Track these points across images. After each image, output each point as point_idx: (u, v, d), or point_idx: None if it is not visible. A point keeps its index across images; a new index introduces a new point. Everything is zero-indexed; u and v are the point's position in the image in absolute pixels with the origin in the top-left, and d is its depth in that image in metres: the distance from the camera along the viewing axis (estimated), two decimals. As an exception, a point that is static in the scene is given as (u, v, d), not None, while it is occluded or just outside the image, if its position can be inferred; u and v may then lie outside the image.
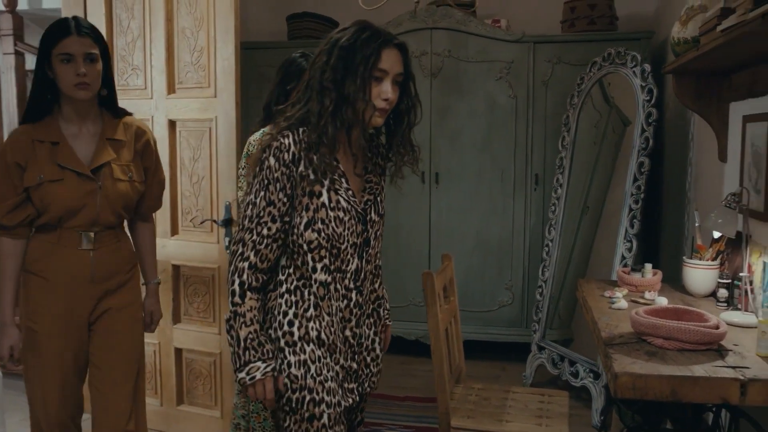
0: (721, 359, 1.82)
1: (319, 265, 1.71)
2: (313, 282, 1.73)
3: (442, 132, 4.34)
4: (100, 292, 2.22)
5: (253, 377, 1.67)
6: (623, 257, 3.42)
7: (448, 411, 2.40)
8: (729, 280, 2.35)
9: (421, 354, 4.21)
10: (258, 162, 1.69)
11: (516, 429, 2.40)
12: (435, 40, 4.30)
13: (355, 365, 1.82)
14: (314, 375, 1.71)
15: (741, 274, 2.26)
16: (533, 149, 4.26)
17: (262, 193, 1.66)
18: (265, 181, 1.66)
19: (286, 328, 1.72)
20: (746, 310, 2.20)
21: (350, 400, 1.81)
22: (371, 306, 1.88)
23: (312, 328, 1.73)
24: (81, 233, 2.17)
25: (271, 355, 1.70)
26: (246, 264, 1.68)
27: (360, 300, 1.80)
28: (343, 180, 1.72)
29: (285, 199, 1.66)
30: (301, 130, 1.67)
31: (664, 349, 1.88)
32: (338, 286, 1.75)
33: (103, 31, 2.98)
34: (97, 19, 2.99)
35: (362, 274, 1.79)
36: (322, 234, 1.68)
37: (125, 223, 2.39)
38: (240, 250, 1.68)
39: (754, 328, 1.96)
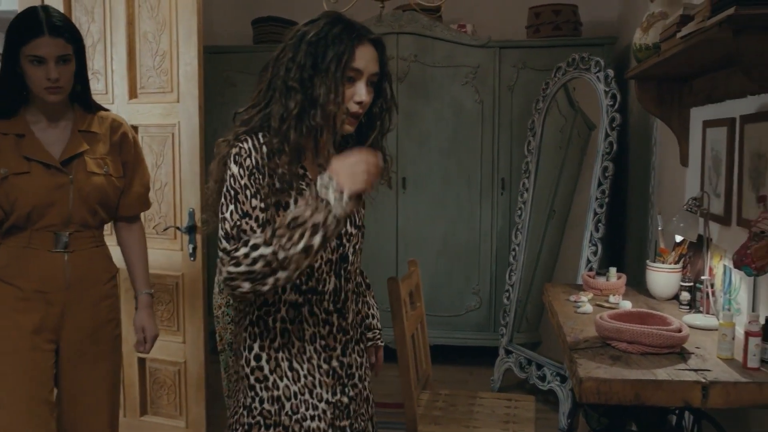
0: (684, 362, 1.84)
1: (287, 285, 1.50)
2: (281, 305, 1.52)
3: (409, 137, 4.34)
4: (74, 304, 2.02)
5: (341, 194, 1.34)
6: (589, 261, 3.45)
7: (415, 418, 2.39)
8: (691, 283, 2.38)
9: (388, 359, 4.18)
10: (217, 175, 1.50)
11: (483, 434, 2.40)
12: (401, 45, 4.30)
13: (346, 399, 1.59)
14: (290, 413, 1.51)
15: (702, 278, 2.29)
16: (499, 154, 4.28)
17: (232, 207, 1.41)
18: (232, 192, 1.42)
19: (253, 363, 1.53)
20: (708, 313, 2.23)
21: None
22: (359, 330, 1.67)
23: (282, 359, 1.52)
24: (55, 234, 1.99)
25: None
26: (223, 245, 1.39)
27: (344, 324, 1.59)
28: None
29: (262, 205, 1.42)
30: (260, 135, 1.46)
31: (628, 353, 1.89)
32: (315, 309, 1.53)
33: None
34: (55, 22, 2.93)
35: (342, 294, 1.58)
36: None
37: (110, 230, 2.23)
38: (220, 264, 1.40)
39: (715, 331, 1.98)
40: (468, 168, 4.31)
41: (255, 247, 1.34)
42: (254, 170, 1.42)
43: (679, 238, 2.50)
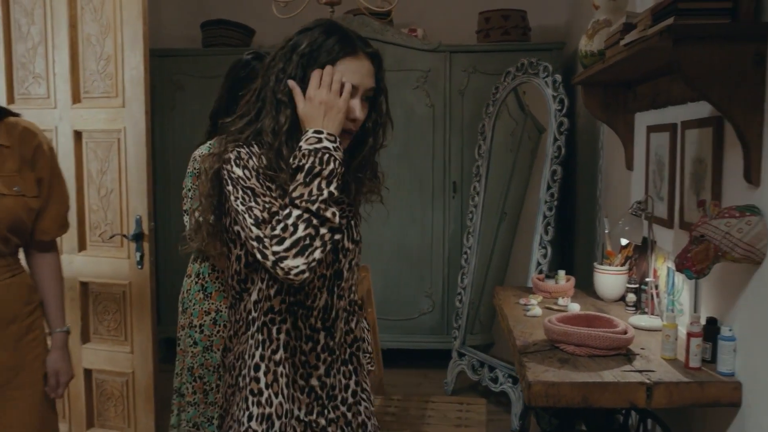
0: (629, 363, 1.88)
1: (272, 291, 1.45)
2: (288, 315, 1.45)
3: (361, 141, 4.33)
4: None
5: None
6: (538, 263, 3.49)
7: (368, 424, 2.39)
8: (637, 285, 2.44)
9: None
10: (209, 190, 1.44)
11: (436, 439, 2.41)
12: (352, 49, 4.29)
13: (323, 421, 1.50)
14: None
15: (647, 279, 2.34)
16: (451, 157, 4.31)
17: (251, 198, 1.35)
18: (247, 190, 1.36)
19: (252, 374, 1.45)
20: (653, 314, 2.29)
21: None
22: (348, 350, 1.58)
23: (282, 374, 1.45)
24: None
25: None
26: (255, 233, 1.33)
27: (331, 343, 1.51)
28: None
29: (275, 194, 1.37)
30: (254, 146, 1.41)
31: (576, 356, 1.93)
32: (300, 324, 1.47)
33: (0, 36, 2.84)
34: (-7, 24, 2.84)
35: (333, 312, 1.50)
36: None
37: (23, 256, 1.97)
38: (255, 251, 1.33)
39: (660, 331, 2.03)
40: (420, 172, 4.33)
41: (287, 216, 1.30)
42: (259, 172, 1.38)
43: (624, 241, 2.55)
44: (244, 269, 1.46)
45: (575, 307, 2.41)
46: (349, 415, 1.55)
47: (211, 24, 4.56)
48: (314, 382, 1.49)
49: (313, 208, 1.31)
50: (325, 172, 1.32)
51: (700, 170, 2.03)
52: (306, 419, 1.48)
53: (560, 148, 3.52)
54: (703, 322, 1.90)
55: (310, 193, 1.31)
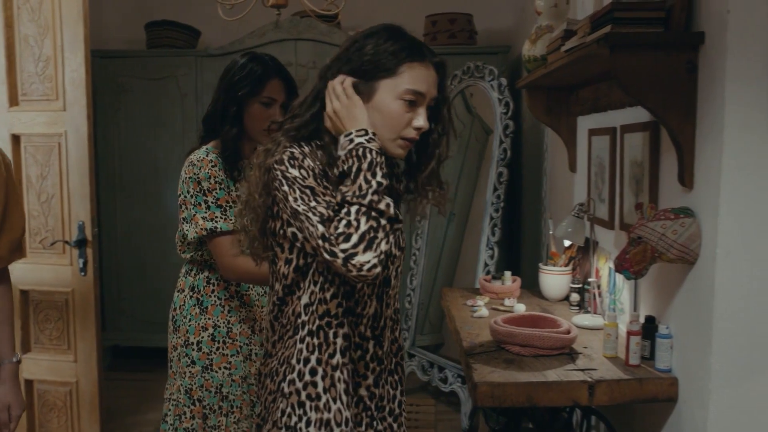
0: (573, 363, 1.93)
1: (328, 294, 1.42)
2: (344, 318, 1.42)
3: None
4: None
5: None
6: (486, 264, 3.54)
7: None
8: (580, 285, 2.49)
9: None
10: (260, 187, 1.41)
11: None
12: (299, 52, 4.28)
13: None
14: None
15: (590, 279, 2.40)
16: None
17: (311, 197, 1.33)
18: (305, 190, 1.34)
19: (308, 377, 1.39)
20: (596, 313, 2.34)
21: None
22: (393, 360, 1.56)
23: (339, 380, 1.40)
24: None
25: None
26: (320, 230, 1.30)
27: (380, 353, 1.49)
28: None
29: (333, 193, 1.36)
30: (312, 144, 1.41)
31: (521, 356, 1.96)
32: (350, 332, 1.44)
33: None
34: (-75, 24, 2.74)
35: (382, 320, 1.49)
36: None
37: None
38: (320, 250, 1.30)
39: (602, 330, 2.08)
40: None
41: (347, 213, 1.29)
42: (315, 171, 1.36)
43: (568, 242, 2.61)
44: (293, 273, 1.43)
45: (521, 308, 2.45)
46: (395, 426, 1.54)
47: (155, 25, 4.48)
48: (363, 392, 1.47)
49: (366, 201, 1.29)
50: (365, 165, 1.32)
51: (638, 173, 2.10)
52: (355, 431, 1.45)
53: (506, 150, 3.58)
54: (642, 320, 1.96)
55: (360, 188, 1.30)
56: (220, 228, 1.97)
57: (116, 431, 2.93)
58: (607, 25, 1.70)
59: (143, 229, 4.43)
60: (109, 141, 4.42)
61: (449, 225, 4.21)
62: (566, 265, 2.63)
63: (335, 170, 1.37)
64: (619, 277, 2.27)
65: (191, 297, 2.11)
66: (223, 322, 2.09)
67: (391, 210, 1.31)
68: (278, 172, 1.36)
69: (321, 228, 1.30)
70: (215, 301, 2.10)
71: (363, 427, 1.47)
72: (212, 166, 1.99)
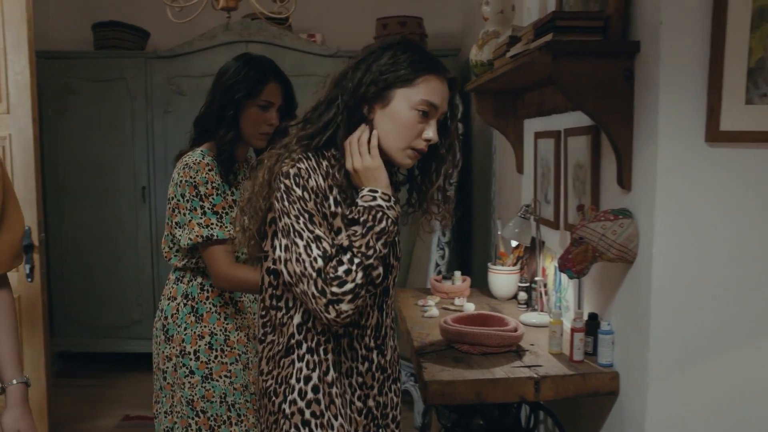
0: (519, 359, 1.99)
1: None
2: (331, 334, 1.43)
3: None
4: None
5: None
6: (437, 265, 3.60)
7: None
8: (527, 284, 2.56)
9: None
10: (265, 190, 1.41)
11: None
12: (251, 54, 4.27)
13: None
14: None
15: (537, 278, 2.47)
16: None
17: (318, 228, 1.35)
18: (306, 215, 1.35)
19: (311, 395, 1.41)
20: (542, 311, 2.41)
21: None
22: (396, 367, 1.59)
23: (336, 395, 1.43)
24: None
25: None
26: (319, 264, 1.32)
27: (383, 362, 1.52)
28: None
29: (328, 224, 1.39)
30: (319, 157, 1.42)
31: (470, 354, 2.01)
32: (356, 344, 1.46)
33: None
34: None
35: (383, 329, 1.52)
36: None
37: None
38: (306, 280, 1.33)
39: (548, 327, 2.14)
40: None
41: (350, 260, 1.32)
42: (318, 194, 1.37)
43: (515, 242, 2.68)
44: (282, 286, 1.44)
45: (470, 307, 2.51)
46: (398, 431, 1.58)
47: (103, 25, 4.41)
48: (371, 402, 1.49)
49: (367, 262, 1.34)
50: (377, 228, 1.36)
51: (581, 175, 2.17)
52: None
53: (456, 152, 3.63)
54: (585, 317, 2.03)
55: (368, 246, 1.34)
56: (216, 236, 1.91)
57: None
58: (549, 33, 1.76)
59: (92, 234, 4.36)
60: (56, 144, 4.34)
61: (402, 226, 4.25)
62: (514, 264, 2.69)
63: (337, 191, 1.40)
64: (565, 276, 2.34)
65: (185, 305, 2.03)
66: (220, 330, 2.03)
67: (379, 280, 1.39)
68: (282, 185, 1.37)
69: (320, 262, 1.33)
70: (210, 308, 2.03)
71: None
72: (209, 170, 1.94)
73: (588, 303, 2.16)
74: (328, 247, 1.34)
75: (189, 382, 2.00)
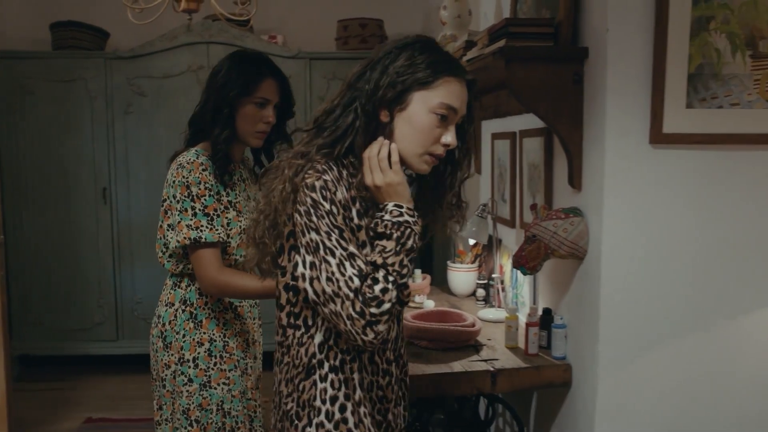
0: (477, 354, 2.05)
1: None
2: (355, 352, 1.37)
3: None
4: None
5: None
6: (399, 263, 3.65)
7: None
8: (485, 281, 2.64)
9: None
10: (283, 200, 1.31)
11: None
12: (212, 55, 4.27)
13: None
14: None
15: (494, 275, 2.55)
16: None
17: (350, 244, 1.27)
18: (337, 231, 1.26)
19: (338, 416, 1.33)
20: (499, 307, 2.49)
21: None
22: (407, 379, 1.55)
23: (365, 414, 1.37)
24: None
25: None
26: (356, 283, 1.24)
27: (399, 375, 1.47)
28: None
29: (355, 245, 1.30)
30: (342, 163, 1.33)
31: (429, 350, 2.07)
32: (377, 358, 1.40)
33: None
34: None
35: (400, 341, 1.48)
36: None
37: None
38: (341, 301, 1.24)
39: (504, 322, 2.22)
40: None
41: (386, 278, 1.25)
42: (346, 207, 1.29)
43: (473, 241, 2.75)
44: (303, 303, 1.35)
45: (430, 304, 2.57)
46: None
47: (61, 25, 4.36)
48: (390, 416, 1.45)
49: (401, 281, 1.27)
50: (408, 245, 1.29)
51: (535, 175, 2.25)
52: None
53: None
54: (540, 312, 2.10)
55: (401, 264, 1.27)
56: (205, 238, 1.84)
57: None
58: (502, 39, 1.83)
59: (52, 236, 4.31)
60: (13, 145, 4.28)
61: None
62: (472, 262, 2.77)
63: (360, 202, 1.33)
64: (521, 273, 2.42)
65: (183, 311, 1.95)
66: (219, 336, 1.96)
67: (408, 299, 1.31)
68: (308, 199, 1.27)
69: (357, 282, 1.25)
70: (209, 314, 1.96)
71: None
72: (203, 170, 1.86)
73: (542, 298, 2.24)
74: (362, 265, 1.26)
75: (187, 391, 1.94)
